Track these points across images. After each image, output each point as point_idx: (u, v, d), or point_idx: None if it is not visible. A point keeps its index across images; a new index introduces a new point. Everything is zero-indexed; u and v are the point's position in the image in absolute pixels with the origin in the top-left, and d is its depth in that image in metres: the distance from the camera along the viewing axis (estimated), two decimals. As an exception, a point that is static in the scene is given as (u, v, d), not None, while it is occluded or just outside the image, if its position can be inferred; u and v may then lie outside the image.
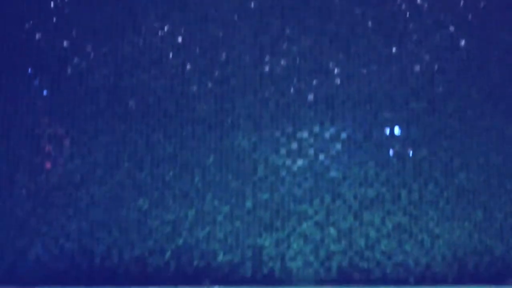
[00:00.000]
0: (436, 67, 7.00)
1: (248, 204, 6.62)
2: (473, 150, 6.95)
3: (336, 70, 6.87)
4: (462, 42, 7.05)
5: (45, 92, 6.58)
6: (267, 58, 6.83)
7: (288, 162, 6.70)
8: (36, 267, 6.39)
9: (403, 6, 7.06)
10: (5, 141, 6.49)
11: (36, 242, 6.43)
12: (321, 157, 6.73)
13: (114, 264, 6.46)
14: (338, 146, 6.77)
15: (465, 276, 6.82)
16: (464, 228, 6.86)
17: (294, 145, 6.72)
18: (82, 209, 6.49)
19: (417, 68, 6.97)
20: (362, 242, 6.71)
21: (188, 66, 6.75)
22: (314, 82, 6.84)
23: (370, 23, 6.98)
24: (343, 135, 6.79)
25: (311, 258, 6.64)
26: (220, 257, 6.54)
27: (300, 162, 6.71)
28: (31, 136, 6.52)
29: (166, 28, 6.82)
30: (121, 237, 6.48)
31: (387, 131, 6.85)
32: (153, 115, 6.62)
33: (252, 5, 6.93)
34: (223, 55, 6.81)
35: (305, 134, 6.75)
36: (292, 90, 6.81)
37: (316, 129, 6.77)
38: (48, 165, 6.50)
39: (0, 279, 6.34)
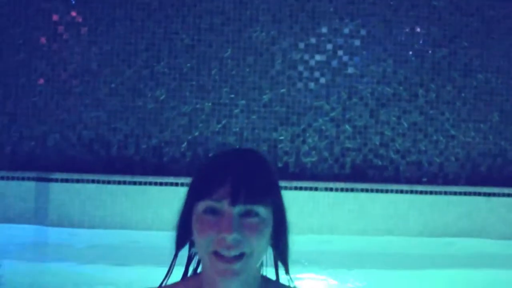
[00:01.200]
0: (460, -36, 6.84)
1: (265, 98, 6.62)
2: (493, 51, 6.87)
3: (358, -35, 6.72)
4: None
5: (62, -21, 6.50)
6: (288, -50, 6.68)
7: (306, 56, 6.65)
8: (54, 154, 6.48)
9: None
10: (23, 28, 6.46)
11: (54, 130, 6.49)
12: (340, 53, 6.67)
13: (131, 154, 6.53)
14: (357, 42, 6.69)
15: (477, 177, 6.87)
16: (479, 130, 6.87)
17: (313, 40, 6.65)
18: (99, 98, 6.51)
19: (441, -36, 6.81)
20: (377, 140, 6.74)
21: (207, -44, 6.62)
22: (335, -24, 6.71)
23: None
24: (363, 32, 6.70)
25: (326, 154, 6.69)
26: (235, 150, 6.58)
27: (318, 57, 6.66)
28: (48, 23, 6.48)
29: None
30: (138, 127, 6.53)
31: (407, 28, 6.76)
32: (171, 5, 6.54)
33: None
34: None
35: (324, 29, 6.67)
36: (312, -17, 6.69)
37: (336, 24, 6.68)
38: (65, 53, 6.49)
39: (19, 165, 6.45)
